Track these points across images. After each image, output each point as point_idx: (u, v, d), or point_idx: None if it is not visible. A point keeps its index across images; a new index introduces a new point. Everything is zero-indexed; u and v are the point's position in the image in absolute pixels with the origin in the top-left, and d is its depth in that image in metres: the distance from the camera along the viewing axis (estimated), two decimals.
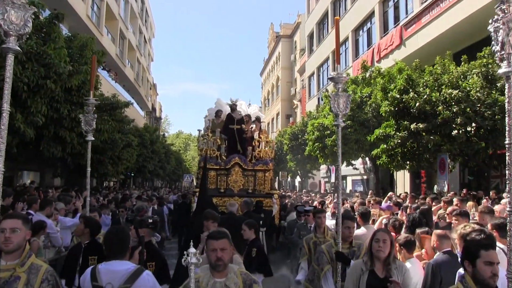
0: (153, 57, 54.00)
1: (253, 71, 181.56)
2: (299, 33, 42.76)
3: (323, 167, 27.67)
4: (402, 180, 21.03)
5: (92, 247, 4.41)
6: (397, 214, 8.09)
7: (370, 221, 7.11)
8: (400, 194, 14.48)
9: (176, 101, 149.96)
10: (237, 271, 3.20)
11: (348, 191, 24.70)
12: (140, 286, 3.10)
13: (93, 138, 5.31)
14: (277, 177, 39.98)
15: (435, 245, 4.19)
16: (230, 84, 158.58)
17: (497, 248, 4.13)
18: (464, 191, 13.37)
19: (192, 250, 2.61)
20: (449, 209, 6.70)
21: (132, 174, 30.26)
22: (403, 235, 5.19)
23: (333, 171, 24.30)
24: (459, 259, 3.30)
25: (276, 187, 23.33)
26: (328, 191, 24.90)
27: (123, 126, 18.70)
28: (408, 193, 16.29)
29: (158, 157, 28.76)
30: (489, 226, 4.78)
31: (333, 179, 24.69)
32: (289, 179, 40.48)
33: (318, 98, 31.06)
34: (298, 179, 32.83)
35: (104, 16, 27.97)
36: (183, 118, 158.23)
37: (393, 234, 5.91)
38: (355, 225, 5.33)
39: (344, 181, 30.88)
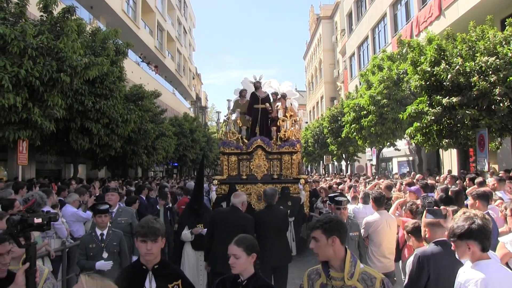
0: (194, 47, 54.55)
1: (297, 55, 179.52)
2: (339, 13, 41.36)
3: (368, 150, 26.65)
4: (449, 159, 19.80)
5: None
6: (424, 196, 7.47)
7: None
8: (438, 176, 13.54)
9: (224, 90, 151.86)
10: None
11: (393, 173, 23.62)
12: None
13: None
14: (321, 162, 39.30)
15: (427, 236, 3.53)
16: (276, 70, 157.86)
17: None
18: None
19: None
20: (468, 190, 6.05)
21: (176, 164, 30.78)
22: (411, 221, 4.68)
23: (374, 153, 23.37)
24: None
25: (305, 171, 22.26)
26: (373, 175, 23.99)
27: (158, 116, 18.92)
28: (456, 173, 15.26)
29: (199, 145, 29.00)
30: (508, 211, 4.24)
31: (374, 161, 23.78)
32: (335, 163, 39.56)
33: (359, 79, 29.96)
34: (344, 162, 32.04)
35: (140, 9, 28.45)
36: None
37: (410, 219, 5.42)
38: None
39: (390, 163, 29.73)
